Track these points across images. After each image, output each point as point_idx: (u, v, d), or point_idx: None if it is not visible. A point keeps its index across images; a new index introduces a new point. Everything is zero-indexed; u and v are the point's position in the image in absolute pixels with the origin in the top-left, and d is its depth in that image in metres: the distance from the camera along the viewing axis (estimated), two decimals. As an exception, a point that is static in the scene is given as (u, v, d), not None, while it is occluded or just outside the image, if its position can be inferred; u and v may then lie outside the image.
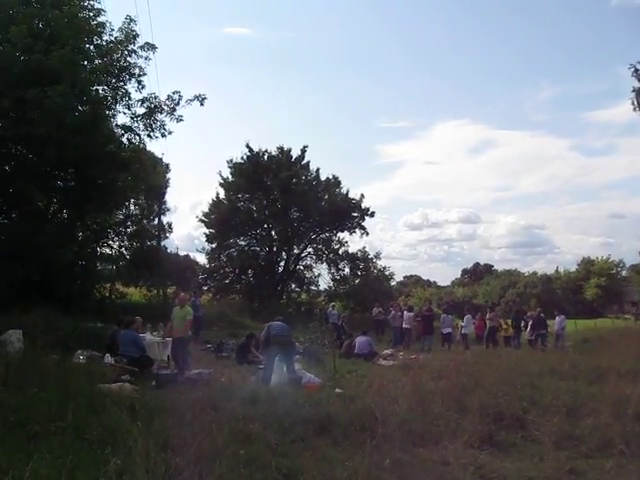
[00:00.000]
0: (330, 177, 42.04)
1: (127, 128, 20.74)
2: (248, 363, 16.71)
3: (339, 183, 42.04)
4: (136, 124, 20.69)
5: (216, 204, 40.83)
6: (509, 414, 8.87)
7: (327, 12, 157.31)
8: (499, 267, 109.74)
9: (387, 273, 44.67)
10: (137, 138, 21.05)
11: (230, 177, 40.91)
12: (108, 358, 14.01)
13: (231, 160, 40.69)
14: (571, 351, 19.72)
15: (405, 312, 26.09)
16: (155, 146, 79.19)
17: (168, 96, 20.75)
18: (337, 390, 11.47)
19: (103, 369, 12.74)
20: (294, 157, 40.95)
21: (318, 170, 41.51)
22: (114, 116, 20.86)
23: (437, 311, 36.07)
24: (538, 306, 40.28)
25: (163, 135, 21.17)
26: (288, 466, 6.35)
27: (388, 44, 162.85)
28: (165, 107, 20.59)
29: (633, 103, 30.94)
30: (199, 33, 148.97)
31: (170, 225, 36.08)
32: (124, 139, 20.89)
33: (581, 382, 11.74)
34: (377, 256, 43.57)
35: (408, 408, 9.00)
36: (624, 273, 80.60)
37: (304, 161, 41.13)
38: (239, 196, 41.31)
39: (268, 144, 40.93)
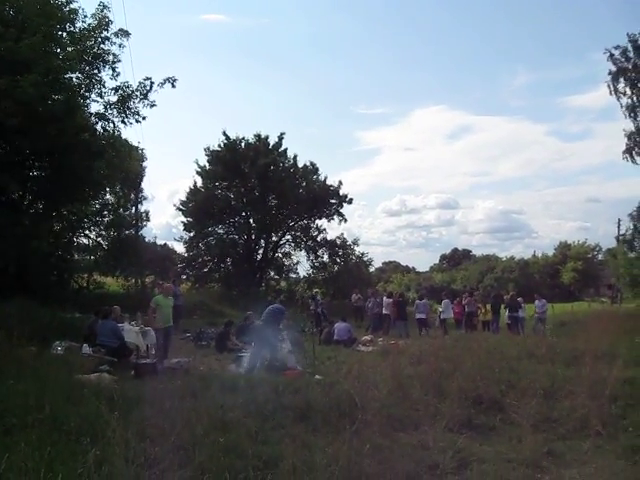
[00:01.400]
0: (308, 164, 41.97)
1: (101, 116, 20.47)
2: (228, 351, 16.75)
3: (317, 170, 41.99)
4: (110, 111, 20.46)
5: (194, 192, 40.60)
6: (488, 398, 8.94)
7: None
8: (477, 252, 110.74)
9: (366, 259, 44.94)
10: (111, 125, 20.84)
11: (207, 165, 40.68)
12: (86, 348, 13.91)
13: (208, 148, 40.55)
14: (549, 335, 19.90)
15: (384, 298, 26.17)
16: (131, 134, 78.66)
17: (140, 82, 20.59)
18: (317, 377, 11.50)
19: (81, 360, 12.66)
20: (271, 144, 40.70)
21: (296, 157, 41.46)
22: (88, 104, 20.61)
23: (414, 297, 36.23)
24: (515, 290, 40.67)
25: (137, 121, 21.06)
26: (268, 453, 6.33)
27: (366, 31, 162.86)
28: (137, 93, 20.39)
29: (609, 86, 31.29)
30: (176, 20, 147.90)
31: (147, 214, 35.83)
32: (98, 127, 20.66)
33: (558, 365, 11.83)
34: (355, 242, 43.76)
35: (387, 393, 9.05)
36: (600, 257, 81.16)
37: (282, 148, 40.91)
38: (217, 184, 41.08)
39: (246, 131, 40.81)
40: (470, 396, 8.84)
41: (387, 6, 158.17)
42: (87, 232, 29.22)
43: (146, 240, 38.05)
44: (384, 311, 25.21)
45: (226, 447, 6.32)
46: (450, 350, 13.28)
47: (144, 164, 34.92)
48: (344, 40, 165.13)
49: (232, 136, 40.39)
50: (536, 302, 26.06)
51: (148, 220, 35.82)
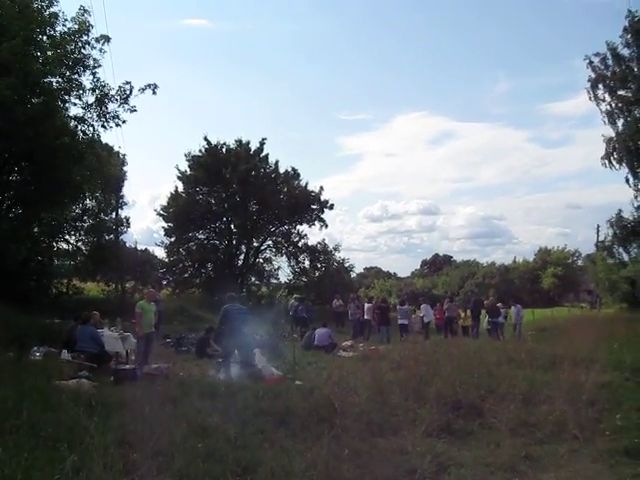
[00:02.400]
0: (289, 169, 41.99)
1: (80, 119, 20.37)
2: (208, 357, 16.69)
3: (298, 175, 42.08)
4: (89, 114, 20.35)
5: (174, 197, 40.47)
6: (466, 403, 8.96)
7: (286, 4, 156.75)
8: (458, 258, 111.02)
9: (347, 265, 45.02)
10: (91, 129, 20.68)
11: (188, 170, 40.57)
12: (65, 354, 13.84)
13: (189, 153, 40.48)
14: (529, 340, 20.01)
15: (365, 304, 26.26)
16: (112, 139, 78.24)
17: (119, 86, 20.54)
18: (297, 382, 11.51)
19: (60, 365, 12.59)
20: (253, 150, 40.73)
21: (277, 163, 41.49)
22: (67, 108, 20.48)
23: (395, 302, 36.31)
24: (496, 296, 40.89)
25: (117, 125, 20.93)
26: (247, 459, 6.32)
27: (348, 36, 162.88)
28: (117, 97, 20.29)
29: (588, 93, 31.61)
30: (158, 25, 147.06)
31: (128, 219, 35.72)
32: (78, 130, 20.42)
33: (537, 370, 11.89)
34: (336, 248, 43.96)
35: (367, 398, 9.05)
36: (580, 262, 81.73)
37: (263, 154, 40.97)
38: (198, 189, 41.02)
39: (228, 137, 40.75)
40: (449, 401, 8.86)
41: (369, 11, 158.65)
42: (67, 237, 29.21)
43: (127, 245, 37.99)
44: (365, 316, 25.29)
45: (205, 453, 6.33)
46: (430, 355, 13.30)
47: (125, 169, 34.89)
48: (326, 45, 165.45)
49: (213, 141, 40.42)
50: (512, 308, 26.25)
51: (129, 226, 35.74)
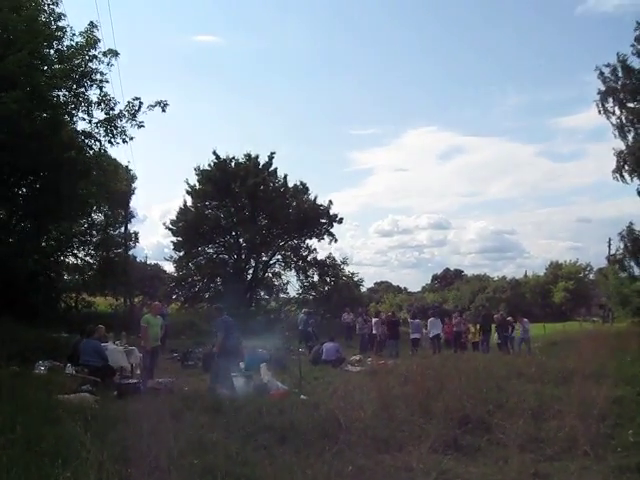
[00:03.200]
0: (298, 184, 41.77)
1: (87, 134, 20.35)
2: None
3: (307, 190, 41.82)
4: (96, 130, 20.28)
5: (183, 212, 40.37)
6: (474, 418, 8.77)
7: (298, 20, 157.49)
8: (469, 272, 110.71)
9: (356, 279, 44.77)
10: (97, 144, 20.63)
11: (197, 184, 40.44)
12: (69, 368, 13.74)
13: (198, 167, 40.29)
14: (538, 354, 19.76)
15: (373, 318, 26.16)
16: (121, 154, 78.52)
17: (128, 102, 20.44)
18: (302, 397, 11.37)
19: (63, 379, 12.50)
20: (262, 164, 40.60)
21: (286, 177, 41.22)
22: (74, 122, 20.47)
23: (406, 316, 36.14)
24: (507, 310, 40.61)
25: (124, 141, 20.77)
26: (247, 475, 6.21)
27: (359, 51, 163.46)
28: (125, 113, 20.22)
29: (598, 106, 31.33)
30: (169, 41, 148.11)
31: (136, 234, 35.75)
32: (84, 145, 20.36)
33: (547, 384, 11.70)
34: (345, 262, 43.59)
35: (373, 414, 8.89)
36: (591, 276, 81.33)
37: (272, 168, 40.79)
38: (207, 203, 40.88)
39: (237, 151, 40.69)
40: (456, 416, 8.67)
41: (380, 25, 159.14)
42: (76, 252, 29.18)
43: (137, 260, 37.96)
44: (373, 331, 25.18)
45: (203, 469, 6.18)
46: (438, 370, 13.11)
47: (134, 184, 35.06)
48: (337, 61, 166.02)
49: (222, 155, 40.27)
50: (518, 323, 26.01)
51: (137, 241, 35.77)
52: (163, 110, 20.75)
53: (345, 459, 6.75)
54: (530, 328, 26.55)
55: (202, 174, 40.10)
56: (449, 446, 7.72)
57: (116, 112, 20.23)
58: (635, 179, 30.44)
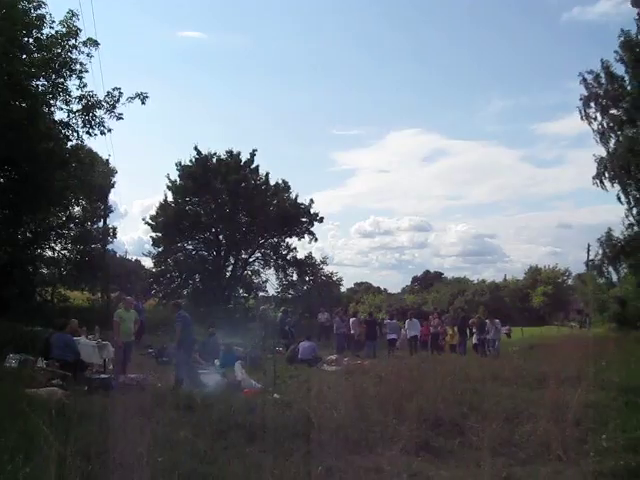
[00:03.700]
0: (280, 182, 41.64)
1: (65, 124, 19.98)
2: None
3: (288, 188, 41.70)
4: (74, 120, 19.95)
5: (163, 207, 40.07)
6: (448, 420, 8.70)
7: (282, 18, 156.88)
8: (449, 275, 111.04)
9: (335, 279, 44.74)
10: (75, 135, 20.29)
11: (178, 180, 40.17)
12: (41, 362, 13.52)
13: (179, 162, 40.08)
14: (514, 356, 19.78)
15: (351, 318, 26.11)
16: (102, 148, 77.77)
17: (108, 92, 20.14)
18: (275, 395, 11.25)
19: (33, 373, 12.31)
20: (243, 161, 40.49)
21: (267, 174, 41.14)
22: (52, 112, 20.12)
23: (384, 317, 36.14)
24: (486, 313, 40.74)
25: (102, 133, 20.49)
26: (214, 474, 6.09)
27: (345, 51, 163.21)
28: (104, 104, 19.94)
29: (580, 112, 31.55)
30: (153, 35, 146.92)
31: (115, 229, 35.40)
32: (62, 136, 20.06)
33: (523, 388, 11.69)
34: (324, 262, 43.61)
35: (346, 414, 8.76)
36: (570, 282, 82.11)
37: (253, 165, 40.68)
38: (187, 199, 40.60)
39: (220, 148, 40.45)
40: (430, 418, 8.59)
41: (366, 29, 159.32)
42: (53, 244, 28.84)
43: (117, 255, 37.62)
44: (351, 331, 25.12)
45: (169, 467, 6.03)
46: (414, 371, 13.05)
47: (114, 178, 34.77)
48: (321, 61, 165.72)
49: (204, 151, 40.11)
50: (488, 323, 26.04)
51: (115, 236, 35.46)
52: (143, 102, 20.48)
53: (315, 459, 6.64)
54: (501, 330, 26.56)
55: (183, 169, 39.87)
56: (421, 448, 7.61)
57: (95, 100, 19.90)
58: (616, 185, 30.64)
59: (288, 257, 42.24)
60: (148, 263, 43.39)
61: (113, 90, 20.17)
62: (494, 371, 13.80)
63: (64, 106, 19.87)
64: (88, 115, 19.74)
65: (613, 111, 30.74)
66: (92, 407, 9.04)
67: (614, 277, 33.56)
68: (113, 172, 34.80)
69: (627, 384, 11.76)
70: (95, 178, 26.63)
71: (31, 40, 18.79)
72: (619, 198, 30.60)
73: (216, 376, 14.68)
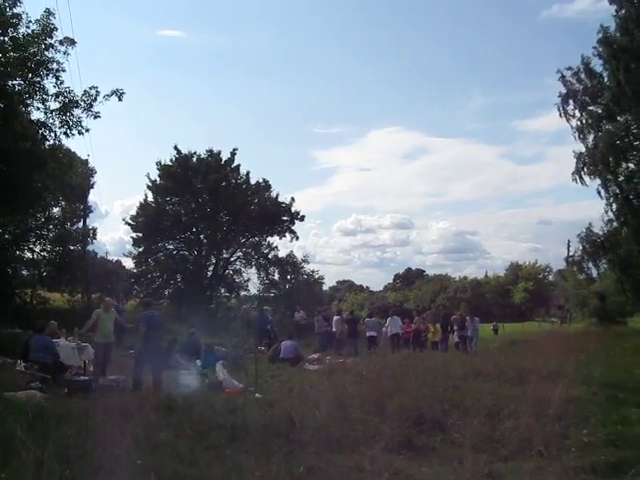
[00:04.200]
0: (260, 181, 41.75)
1: (42, 124, 19.66)
2: (170, 369, 16.27)
3: (269, 187, 41.80)
4: (51, 120, 19.66)
5: (144, 207, 39.97)
6: (429, 417, 8.66)
7: (262, 16, 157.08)
8: (431, 272, 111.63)
9: (317, 277, 44.76)
10: (52, 135, 19.96)
11: (158, 179, 40.06)
12: (20, 365, 13.38)
13: (160, 162, 39.97)
14: (496, 353, 19.83)
15: (334, 317, 26.06)
16: (81, 148, 77.41)
17: (85, 91, 19.83)
18: (257, 395, 11.19)
19: (12, 376, 12.17)
20: (224, 160, 40.42)
21: (248, 173, 41.28)
22: (29, 112, 19.87)
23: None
24: (467, 309, 40.93)
25: (80, 133, 20.17)
26: (194, 475, 6.03)
27: (324, 49, 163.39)
28: (82, 102, 19.66)
29: (559, 109, 31.64)
30: (132, 34, 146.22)
31: (95, 230, 35.19)
32: (39, 136, 19.78)
33: (504, 384, 11.67)
34: (305, 260, 43.64)
35: (327, 413, 8.72)
36: (551, 278, 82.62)
37: (234, 164, 40.73)
38: (167, 199, 40.58)
39: (200, 147, 40.43)
40: (411, 416, 8.53)
41: (347, 27, 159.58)
42: (32, 246, 28.60)
43: (97, 256, 37.36)
44: (333, 329, 25.07)
45: (149, 468, 5.96)
46: (395, 368, 13.02)
47: (93, 178, 34.59)
48: (302, 59, 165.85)
49: (184, 151, 40.01)
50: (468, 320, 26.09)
51: (95, 237, 35.26)
52: (120, 99, 20.21)
53: (297, 459, 6.59)
54: (479, 327, 26.58)
55: (163, 169, 39.78)
56: (403, 446, 7.57)
57: (72, 97, 19.59)
58: (594, 181, 30.77)
59: (269, 256, 42.34)
60: (129, 263, 43.37)
61: (90, 89, 19.89)
62: (475, 368, 13.80)
63: (41, 105, 19.57)
64: (66, 115, 19.46)
65: (592, 107, 30.88)
66: (71, 410, 8.91)
67: (594, 273, 33.76)
68: (92, 172, 34.72)
69: (608, 379, 11.81)
70: (74, 178, 26.39)
71: (6, 39, 18.56)
72: (599, 192, 30.72)
73: (197, 376, 14.60)
